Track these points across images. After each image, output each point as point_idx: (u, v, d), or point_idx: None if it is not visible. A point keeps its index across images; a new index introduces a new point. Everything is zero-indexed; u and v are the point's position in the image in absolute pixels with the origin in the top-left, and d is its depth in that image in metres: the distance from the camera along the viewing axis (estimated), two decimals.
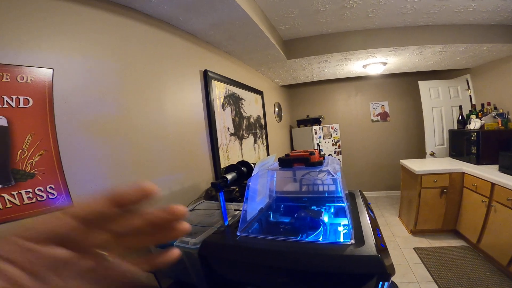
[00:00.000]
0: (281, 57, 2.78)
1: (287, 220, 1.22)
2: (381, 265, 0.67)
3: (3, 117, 0.87)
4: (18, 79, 0.91)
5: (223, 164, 2.14)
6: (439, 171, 2.99)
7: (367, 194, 4.45)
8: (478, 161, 2.90)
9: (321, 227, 0.99)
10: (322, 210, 1.13)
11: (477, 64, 3.57)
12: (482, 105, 3.24)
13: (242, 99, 2.68)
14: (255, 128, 3.01)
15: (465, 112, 3.52)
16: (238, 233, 0.93)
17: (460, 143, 3.27)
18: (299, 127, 4.85)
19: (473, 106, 3.59)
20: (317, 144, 4.43)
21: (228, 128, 2.33)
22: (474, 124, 3.08)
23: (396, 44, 2.75)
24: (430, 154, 4.07)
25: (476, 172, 2.65)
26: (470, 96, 3.84)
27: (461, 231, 2.94)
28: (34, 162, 0.92)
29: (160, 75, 1.59)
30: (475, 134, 2.95)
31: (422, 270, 2.49)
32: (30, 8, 0.98)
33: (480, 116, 3.15)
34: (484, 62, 3.46)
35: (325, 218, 1.08)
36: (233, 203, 1.48)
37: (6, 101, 0.88)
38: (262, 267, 0.80)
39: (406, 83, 4.73)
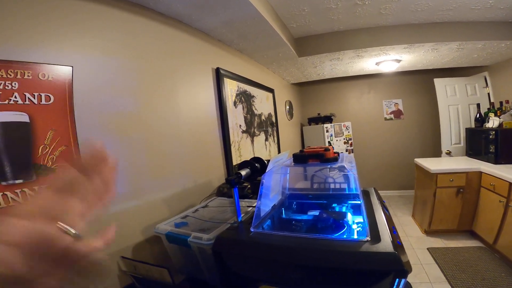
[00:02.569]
0: (292, 55, 2.77)
1: (299, 218, 1.22)
2: (398, 261, 0.66)
3: (25, 114, 0.90)
4: (40, 77, 0.94)
5: (235, 161, 2.15)
6: (455, 170, 2.92)
7: (380, 193, 4.36)
8: (497, 160, 2.81)
9: (345, 228, 0.98)
10: (345, 211, 1.12)
11: (495, 61, 3.46)
12: (501, 103, 3.13)
13: (253, 96, 2.68)
14: (266, 126, 3.02)
15: (483, 110, 3.42)
16: (252, 229, 0.93)
17: (478, 141, 3.19)
18: (310, 125, 4.82)
19: (491, 104, 3.48)
20: (329, 142, 4.40)
21: (240, 126, 2.34)
22: (493, 122, 2.99)
23: (410, 41, 2.69)
24: (446, 153, 3.97)
25: (494, 172, 2.57)
26: (488, 93, 3.73)
27: (477, 231, 2.86)
28: (55, 158, 0.95)
29: (173, 73, 1.61)
30: (494, 132, 2.86)
31: (436, 270, 2.45)
32: (50, 7, 1.01)
33: (498, 114, 3.06)
34: (503, 60, 3.36)
35: (349, 219, 1.07)
36: (245, 199, 1.48)
37: (28, 98, 0.91)
38: (276, 263, 0.80)
39: (421, 80, 4.62)
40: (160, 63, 1.52)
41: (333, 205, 1.22)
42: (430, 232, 3.16)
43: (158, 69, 1.50)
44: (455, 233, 3.07)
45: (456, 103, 3.94)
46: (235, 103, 2.26)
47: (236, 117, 2.27)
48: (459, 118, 3.94)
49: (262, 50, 2.52)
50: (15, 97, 0.88)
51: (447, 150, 3.98)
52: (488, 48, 2.87)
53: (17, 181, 0.86)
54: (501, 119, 2.93)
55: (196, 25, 1.80)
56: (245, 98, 2.48)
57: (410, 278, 2.32)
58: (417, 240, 3.09)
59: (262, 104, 2.94)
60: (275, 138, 3.31)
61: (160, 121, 1.48)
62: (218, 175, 1.97)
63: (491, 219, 2.58)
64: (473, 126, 3.55)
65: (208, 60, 1.97)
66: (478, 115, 3.36)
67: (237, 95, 2.31)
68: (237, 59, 2.45)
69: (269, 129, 3.10)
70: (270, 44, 2.36)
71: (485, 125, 3.16)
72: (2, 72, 0.85)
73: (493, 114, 3.11)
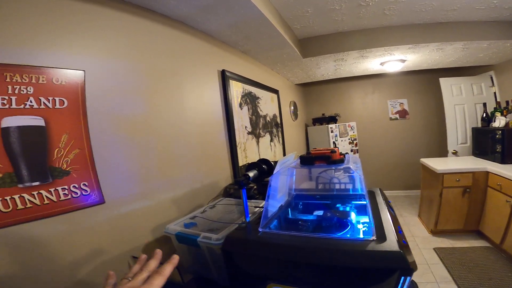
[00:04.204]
0: (296, 56, 2.78)
1: (305, 218, 1.24)
2: (403, 260, 0.67)
3: (41, 118, 0.93)
4: (54, 81, 0.97)
5: (241, 162, 2.18)
6: (462, 170, 2.91)
7: (385, 193, 4.34)
8: (503, 160, 2.80)
9: (349, 227, 0.99)
10: (349, 210, 1.14)
11: (501, 60, 3.44)
12: (507, 102, 3.12)
13: (258, 98, 2.71)
14: (271, 127, 3.03)
15: (490, 109, 3.40)
16: (260, 229, 0.95)
17: (484, 141, 3.17)
18: (314, 125, 4.83)
19: (497, 103, 3.46)
20: (333, 142, 4.40)
21: (246, 127, 2.36)
22: (499, 121, 2.98)
23: (415, 41, 2.69)
24: (453, 153, 3.95)
25: (501, 171, 2.56)
26: (495, 93, 3.70)
27: (484, 231, 2.85)
28: (69, 160, 0.98)
29: (179, 76, 1.64)
30: (500, 132, 2.85)
31: (442, 270, 2.44)
32: (63, 12, 1.04)
33: (505, 113, 3.04)
34: (509, 59, 3.33)
35: (353, 218, 1.09)
36: (252, 200, 1.50)
37: (43, 102, 0.94)
38: (284, 261, 0.82)
39: (426, 80, 4.61)
40: (167, 66, 1.55)
41: (338, 205, 1.23)
42: (436, 232, 3.15)
43: (164, 71, 1.52)
44: (462, 233, 3.06)
45: (462, 103, 3.92)
46: (240, 105, 2.29)
47: (241, 118, 2.29)
48: (465, 118, 3.92)
49: (266, 51, 2.54)
50: (31, 101, 0.91)
51: (453, 150, 3.96)
52: (493, 47, 2.86)
53: (33, 183, 0.89)
54: (508, 119, 2.91)
55: (201, 27, 1.82)
56: (250, 100, 2.50)
57: (416, 278, 2.30)
58: (423, 240, 3.09)
59: (267, 105, 2.96)
60: (280, 139, 3.33)
61: (168, 123, 1.50)
62: (225, 176, 1.99)
63: (498, 219, 2.57)
64: (479, 125, 3.53)
65: (213, 62, 2.00)
66: (484, 115, 3.34)
67: (242, 96, 2.34)
68: (242, 60, 2.48)
69: (274, 130, 3.12)
70: (274, 46, 2.38)
71: (491, 125, 3.15)
72: (17, 77, 0.88)
73: (499, 113, 3.09)
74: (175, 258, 0.61)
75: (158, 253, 0.64)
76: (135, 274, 0.55)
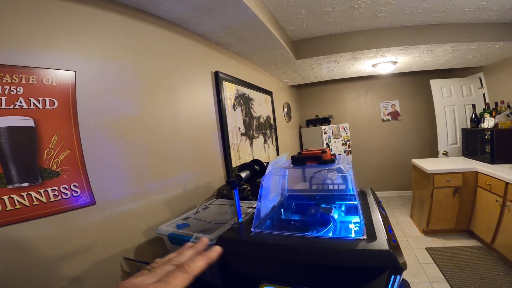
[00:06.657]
0: (290, 58, 2.80)
1: (298, 218, 1.24)
2: (393, 259, 0.68)
3: (31, 118, 0.92)
4: (44, 82, 0.96)
5: (235, 163, 2.18)
6: (452, 170, 2.95)
7: (378, 194, 4.38)
8: (492, 160, 2.85)
9: (331, 223, 1.01)
10: (332, 206, 1.15)
11: (490, 62, 3.51)
12: (496, 103, 3.18)
13: (252, 99, 2.71)
14: (265, 128, 3.04)
15: (479, 110, 3.47)
16: (252, 229, 0.95)
17: (474, 142, 3.22)
18: (308, 127, 4.85)
19: (486, 104, 3.53)
20: (327, 143, 4.43)
21: (239, 128, 2.36)
22: (488, 122, 3.03)
23: (406, 43, 2.73)
24: (443, 154, 4.01)
25: (490, 171, 2.61)
26: (484, 94, 3.77)
27: (475, 231, 2.90)
28: (59, 161, 0.97)
29: (173, 77, 1.64)
30: (489, 132, 2.91)
31: (434, 270, 2.47)
32: (54, 13, 1.03)
33: (494, 114, 3.10)
34: (497, 60, 3.41)
35: (335, 214, 1.10)
36: (245, 201, 1.50)
37: (33, 102, 0.93)
38: (276, 261, 0.82)
39: (417, 82, 4.68)
40: (160, 67, 1.54)
41: (328, 205, 1.24)
42: (428, 232, 3.19)
43: (158, 73, 1.52)
44: (453, 232, 3.10)
45: (452, 104, 3.99)
46: (234, 106, 2.29)
47: (235, 120, 2.29)
48: (455, 119, 3.99)
49: (260, 53, 2.55)
50: (20, 102, 0.90)
51: (444, 151, 4.02)
52: (482, 49, 2.92)
53: (23, 184, 0.88)
54: (497, 120, 2.97)
55: (194, 28, 1.82)
56: (243, 101, 2.50)
57: (409, 277, 2.32)
58: (415, 240, 3.12)
59: (261, 107, 2.97)
60: (274, 141, 3.34)
61: (161, 124, 1.50)
62: (218, 177, 1.99)
63: (488, 219, 2.61)
64: (469, 126, 3.59)
65: (207, 63, 2.00)
66: (473, 116, 3.40)
67: (235, 98, 2.34)
68: (236, 62, 2.48)
69: (268, 132, 3.13)
70: (268, 47, 2.39)
71: (480, 126, 3.21)
72: (7, 77, 0.87)
73: (488, 114, 3.16)
74: (215, 251, 0.48)
75: (203, 241, 0.51)
76: (159, 265, 0.44)
